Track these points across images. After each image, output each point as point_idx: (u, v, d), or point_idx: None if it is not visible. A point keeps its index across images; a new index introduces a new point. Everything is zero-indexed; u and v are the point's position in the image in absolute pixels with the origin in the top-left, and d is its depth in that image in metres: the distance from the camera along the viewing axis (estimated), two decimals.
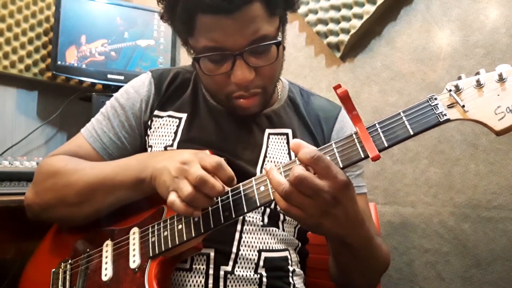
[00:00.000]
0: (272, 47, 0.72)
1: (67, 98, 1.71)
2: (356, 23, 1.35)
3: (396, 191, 1.30)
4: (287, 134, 0.84)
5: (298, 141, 0.59)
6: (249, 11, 0.67)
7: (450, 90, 0.56)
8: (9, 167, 1.23)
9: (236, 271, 0.74)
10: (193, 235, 0.66)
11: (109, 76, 1.65)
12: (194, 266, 0.74)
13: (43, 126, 1.71)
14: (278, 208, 0.79)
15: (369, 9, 1.32)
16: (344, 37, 1.39)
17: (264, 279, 0.76)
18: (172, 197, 0.63)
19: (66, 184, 0.77)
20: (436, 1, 1.26)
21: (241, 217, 0.76)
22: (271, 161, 0.81)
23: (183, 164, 0.64)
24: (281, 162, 0.80)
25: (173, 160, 0.66)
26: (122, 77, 1.66)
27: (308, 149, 0.57)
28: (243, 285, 0.74)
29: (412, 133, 0.56)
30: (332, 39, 1.42)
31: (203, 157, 0.65)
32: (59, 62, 1.57)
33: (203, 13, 0.67)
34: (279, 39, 0.73)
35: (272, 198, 0.61)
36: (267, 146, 0.82)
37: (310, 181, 0.55)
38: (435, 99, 0.56)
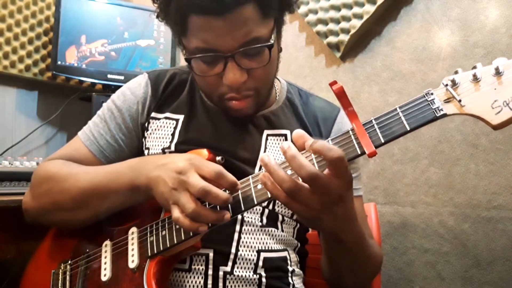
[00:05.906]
0: (265, 49, 0.71)
1: (67, 98, 1.71)
2: (356, 23, 1.35)
3: (396, 191, 1.30)
4: (285, 135, 0.84)
5: (302, 132, 0.57)
6: (241, 13, 0.66)
7: (447, 85, 0.55)
8: (9, 167, 1.23)
9: (235, 271, 0.74)
10: (191, 234, 0.66)
11: (109, 76, 1.65)
12: (193, 267, 0.73)
13: (43, 126, 1.71)
14: (277, 209, 0.79)
15: (369, 9, 1.32)
16: (344, 37, 1.39)
17: (263, 279, 0.76)
18: (176, 214, 0.62)
19: (60, 190, 0.77)
20: (436, 1, 1.26)
21: (240, 218, 0.76)
22: None
23: (179, 174, 0.64)
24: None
25: (167, 169, 0.65)
26: (122, 77, 1.66)
27: (335, 149, 0.53)
28: (242, 286, 0.74)
29: (408, 129, 0.56)
30: (332, 39, 1.42)
31: (199, 166, 0.64)
32: (59, 62, 1.57)
33: (195, 13, 0.67)
34: (272, 41, 0.71)
35: (269, 196, 0.60)
36: (266, 147, 0.82)
37: (323, 180, 0.54)
38: (432, 94, 0.56)
